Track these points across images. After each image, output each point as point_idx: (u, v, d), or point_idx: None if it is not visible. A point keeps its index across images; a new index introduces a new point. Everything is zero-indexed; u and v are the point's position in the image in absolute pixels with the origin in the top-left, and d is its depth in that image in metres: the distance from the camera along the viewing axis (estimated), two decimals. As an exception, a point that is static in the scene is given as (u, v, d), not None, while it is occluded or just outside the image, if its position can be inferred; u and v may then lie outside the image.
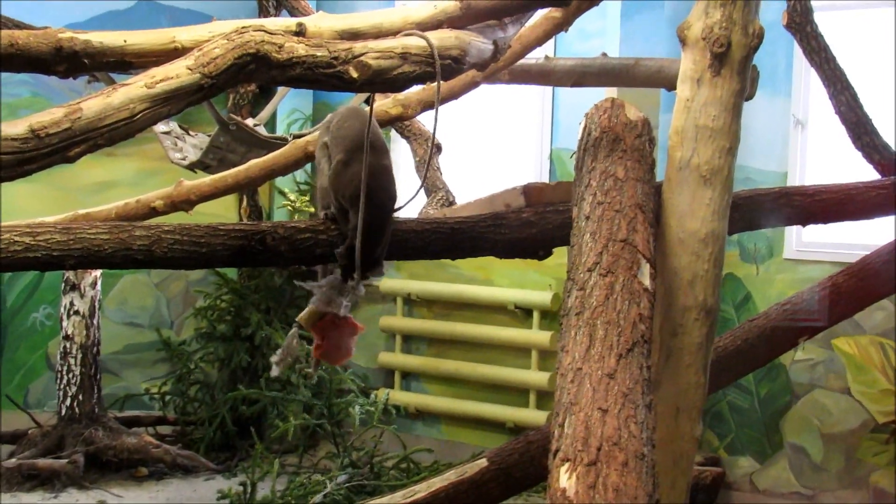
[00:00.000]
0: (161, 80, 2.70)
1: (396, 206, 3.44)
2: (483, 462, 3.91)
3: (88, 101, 2.65)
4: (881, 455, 5.84)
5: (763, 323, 4.22)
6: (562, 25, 4.58)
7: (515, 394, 6.93)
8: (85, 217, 4.52)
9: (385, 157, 3.45)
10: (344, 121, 3.53)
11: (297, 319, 3.48)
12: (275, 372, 3.56)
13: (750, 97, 4.24)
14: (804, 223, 4.24)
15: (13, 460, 6.37)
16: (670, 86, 4.64)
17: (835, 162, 5.77)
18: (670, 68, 4.77)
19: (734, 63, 3.05)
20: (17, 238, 3.00)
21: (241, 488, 5.78)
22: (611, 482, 2.05)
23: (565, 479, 2.08)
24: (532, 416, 6.74)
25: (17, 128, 2.55)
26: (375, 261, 3.34)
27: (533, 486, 4.34)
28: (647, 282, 2.70)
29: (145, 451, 6.63)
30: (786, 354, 5.41)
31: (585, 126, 3.26)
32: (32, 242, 3.01)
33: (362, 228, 3.26)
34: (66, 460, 6.32)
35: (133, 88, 2.68)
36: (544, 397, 6.75)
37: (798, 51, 5.37)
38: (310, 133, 5.09)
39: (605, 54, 5.24)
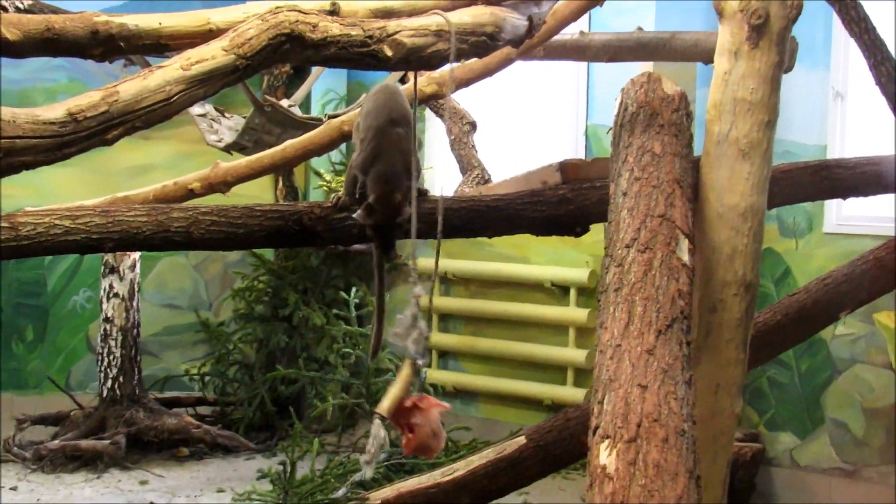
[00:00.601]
0: (196, 62, 2.71)
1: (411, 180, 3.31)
2: (521, 440, 3.91)
3: (125, 83, 2.66)
4: (924, 430, 5.79)
5: (803, 298, 4.17)
6: (596, 0, 4.54)
7: (553, 371, 6.92)
8: (123, 200, 4.56)
9: (400, 126, 3.33)
10: (372, 96, 3.52)
11: (376, 411, 3.09)
12: (368, 474, 3.15)
13: (788, 69, 4.19)
14: (844, 196, 4.19)
15: (56, 442, 6.44)
16: (707, 59, 4.60)
17: (875, 134, 5.69)
18: (707, 41, 4.72)
19: (772, 35, 3.00)
20: (57, 222, 3.03)
21: (280, 467, 5.81)
22: (651, 459, 2.04)
23: (605, 455, 2.08)
24: (570, 393, 6.73)
25: (55, 112, 2.58)
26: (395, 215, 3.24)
27: (572, 463, 4.34)
28: (685, 257, 2.68)
29: (186, 432, 6.69)
30: (826, 329, 5.36)
31: (622, 101, 3.23)
32: (72, 226, 3.04)
33: (377, 197, 3.19)
34: (108, 441, 6.38)
35: (169, 70, 2.69)
36: (582, 374, 6.74)
37: (837, 22, 5.28)
38: (345, 113, 5.09)
39: (640, 29, 5.20)
